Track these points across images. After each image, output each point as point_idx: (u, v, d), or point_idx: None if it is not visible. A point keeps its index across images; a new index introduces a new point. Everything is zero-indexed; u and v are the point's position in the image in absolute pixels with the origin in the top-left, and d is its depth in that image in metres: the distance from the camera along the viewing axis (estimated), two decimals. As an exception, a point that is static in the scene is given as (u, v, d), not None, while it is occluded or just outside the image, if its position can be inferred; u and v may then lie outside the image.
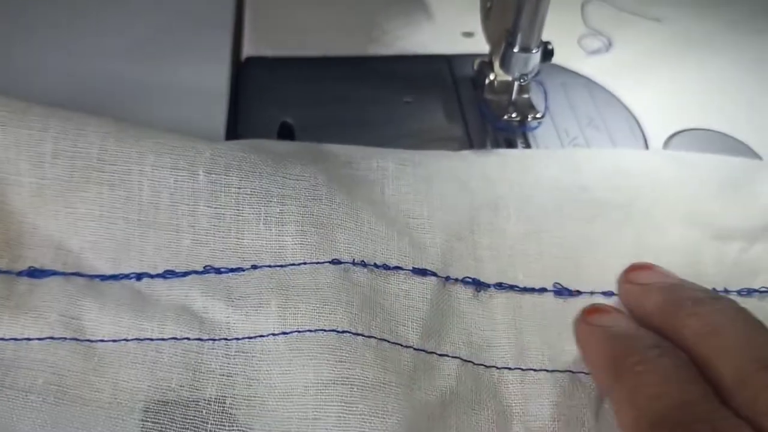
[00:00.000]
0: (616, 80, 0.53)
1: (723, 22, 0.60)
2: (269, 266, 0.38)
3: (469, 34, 0.56)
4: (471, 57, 0.52)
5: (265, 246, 0.38)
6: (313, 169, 0.40)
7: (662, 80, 0.54)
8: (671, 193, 0.43)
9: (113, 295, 0.37)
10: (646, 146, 0.49)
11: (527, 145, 0.48)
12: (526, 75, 0.45)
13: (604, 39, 0.57)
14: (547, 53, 0.45)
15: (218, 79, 0.51)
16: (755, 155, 0.48)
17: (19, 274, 0.38)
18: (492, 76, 0.48)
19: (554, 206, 0.42)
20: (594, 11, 0.59)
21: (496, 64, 0.47)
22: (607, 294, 0.39)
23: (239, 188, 0.39)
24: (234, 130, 0.48)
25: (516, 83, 0.46)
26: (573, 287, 0.40)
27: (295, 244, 0.38)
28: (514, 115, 0.47)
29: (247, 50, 0.54)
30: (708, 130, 0.50)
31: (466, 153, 0.44)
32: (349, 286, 0.37)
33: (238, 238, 0.38)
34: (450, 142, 0.48)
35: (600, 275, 0.40)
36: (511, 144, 0.47)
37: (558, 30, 0.56)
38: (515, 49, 0.44)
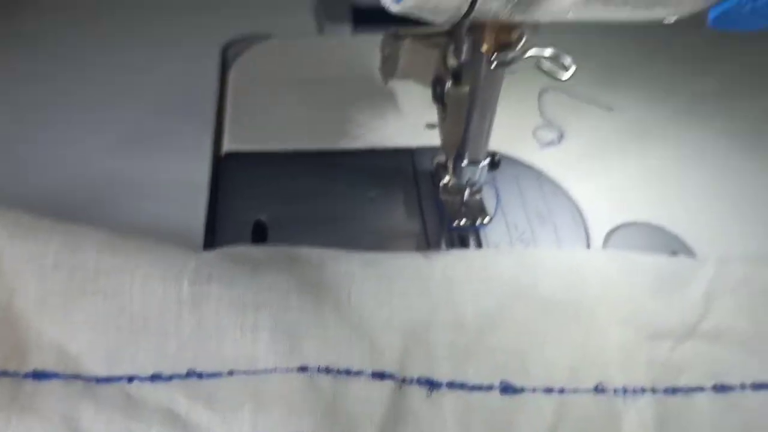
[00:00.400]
0: (565, 172, 0.58)
1: (670, 109, 0.64)
2: (245, 372, 0.43)
3: (432, 125, 0.60)
4: (432, 150, 0.57)
5: (241, 352, 0.43)
6: (286, 277, 0.45)
7: (609, 171, 0.59)
8: (613, 293, 0.48)
9: (107, 397, 0.42)
10: (588, 241, 0.54)
11: (479, 241, 0.52)
12: (476, 183, 0.50)
13: (558, 130, 0.62)
14: (494, 164, 0.50)
15: (199, 174, 0.56)
16: (689, 250, 0.53)
17: (25, 376, 0.42)
18: (446, 179, 0.53)
19: (507, 304, 0.47)
20: (550, 100, 0.64)
21: (451, 167, 0.51)
22: (548, 390, 0.44)
23: (219, 298, 0.44)
24: (212, 226, 0.53)
25: (467, 188, 0.51)
26: (519, 383, 0.44)
27: (268, 351, 0.43)
28: (463, 222, 0.52)
29: (227, 145, 0.59)
30: (647, 224, 0.55)
31: (429, 253, 0.49)
32: (315, 393, 0.41)
33: (218, 344, 0.43)
34: (409, 239, 0.53)
35: (545, 372, 0.45)
36: (464, 241, 0.52)
37: (516, 121, 0.62)
38: (464, 163, 0.49)
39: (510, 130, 0.61)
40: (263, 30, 0.69)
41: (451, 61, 0.48)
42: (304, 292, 0.45)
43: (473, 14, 0.35)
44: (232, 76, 0.65)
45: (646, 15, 0.36)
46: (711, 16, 0.35)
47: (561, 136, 0.61)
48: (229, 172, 0.57)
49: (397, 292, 0.46)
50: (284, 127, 0.60)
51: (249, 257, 0.46)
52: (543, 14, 0.36)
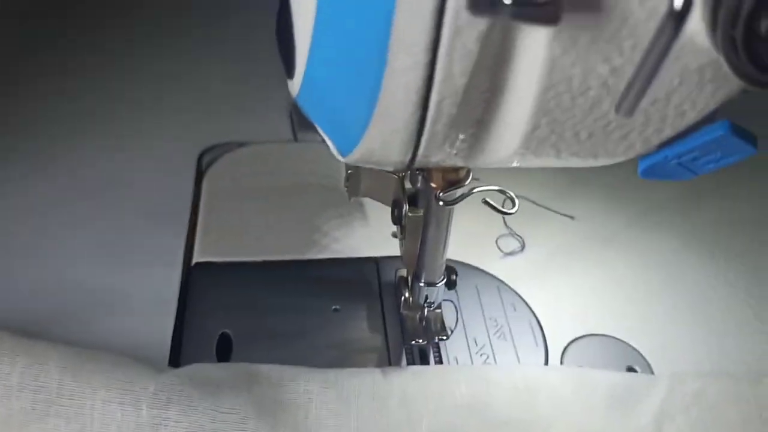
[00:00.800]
0: (526, 282, 0.60)
1: (629, 217, 0.67)
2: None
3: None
4: (397, 259, 0.59)
5: None
6: (245, 398, 0.46)
7: (569, 281, 0.61)
8: (567, 411, 0.49)
9: None
10: (546, 353, 0.55)
11: (439, 355, 0.54)
12: (433, 302, 0.52)
13: (520, 239, 0.64)
14: (451, 283, 0.51)
15: (170, 285, 0.58)
16: (646, 364, 0.55)
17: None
18: (407, 293, 0.54)
19: (462, 423, 0.48)
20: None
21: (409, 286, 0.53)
22: None
23: (177, 422, 0.45)
24: (179, 338, 0.54)
25: (426, 306, 0.53)
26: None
27: None
28: (421, 340, 0.53)
29: (197, 256, 0.60)
30: (605, 336, 0.57)
31: (387, 370, 0.50)
32: None
33: None
34: (371, 353, 0.54)
35: None
36: (424, 355, 0.54)
37: (479, 230, 0.63)
38: (421, 283, 0.50)
39: (473, 238, 0.63)
40: (239, 137, 0.72)
41: (408, 186, 0.50)
42: (263, 414, 0.46)
43: (416, 164, 0.37)
44: (206, 183, 0.67)
45: (580, 163, 0.38)
46: (640, 168, 0.37)
47: (523, 245, 0.63)
48: (197, 283, 0.58)
49: (355, 413, 0.47)
50: (255, 236, 0.62)
51: (209, 378, 0.48)
52: (483, 163, 0.38)
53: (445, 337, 0.53)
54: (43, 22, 0.84)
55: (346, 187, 0.56)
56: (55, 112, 0.72)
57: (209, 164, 0.69)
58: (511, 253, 0.63)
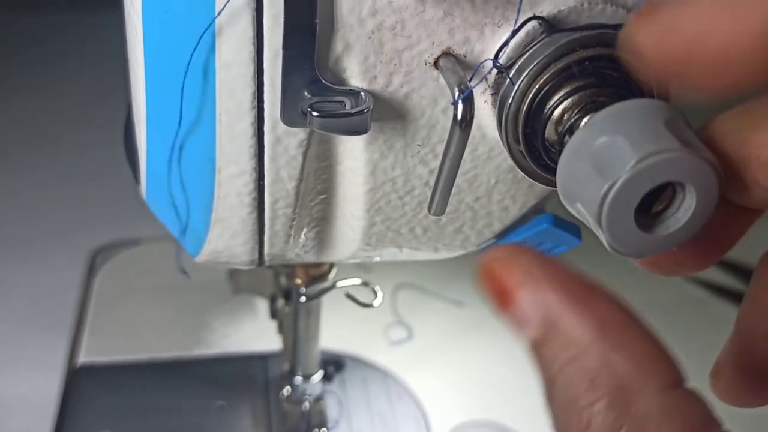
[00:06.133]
0: (412, 371, 0.61)
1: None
2: None
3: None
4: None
5: None
6: None
7: (454, 368, 0.62)
8: None
9: None
10: (429, 444, 0.56)
11: (322, 449, 0.54)
12: (312, 394, 0.52)
13: (407, 327, 0.65)
14: (328, 376, 0.52)
15: (49, 388, 0.57)
16: (528, 449, 0.56)
17: None
18: (286, 391, 0.54)
19: None
20: (402, 297, 0.68)
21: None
22: None
23: None
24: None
25: (307, 399, 0.53)
26: None
27: None
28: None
29: (83, 357, 0.60)
30: (489, 422, 0.58)
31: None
32: None
33: None
34: (253, 451, 0.54)
35: None
36: (307, 451, 0.54)
37: (368, 319, 0.64)
38: (298, 376, 0.51)
39: (362, 327, 0.64)
40: (133, 235, 0.72)
41: (282, 281, 0.51)
42: None
43: (269, 262, 0.39)
44: (97, 283, 0.67)
45: (424, 257, 0.40)
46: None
47: (411, 333, 0.64)
48: (81, 385, 0.58)
49: None
50: (144, 336, 0.62)
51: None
52: (336, 258, 0.40)
53: (325, 430, 0.53)
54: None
55: (229, 284, 0.57)
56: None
57: (102, 264, 0.69)
58: (398, 342, 0.64)
